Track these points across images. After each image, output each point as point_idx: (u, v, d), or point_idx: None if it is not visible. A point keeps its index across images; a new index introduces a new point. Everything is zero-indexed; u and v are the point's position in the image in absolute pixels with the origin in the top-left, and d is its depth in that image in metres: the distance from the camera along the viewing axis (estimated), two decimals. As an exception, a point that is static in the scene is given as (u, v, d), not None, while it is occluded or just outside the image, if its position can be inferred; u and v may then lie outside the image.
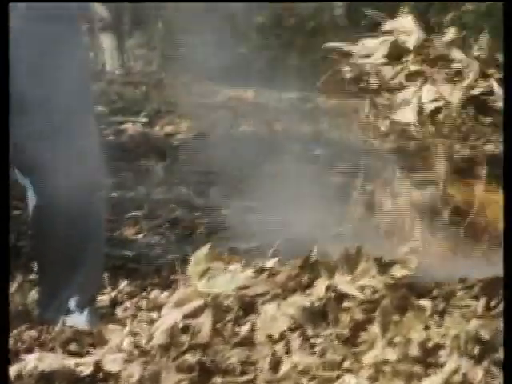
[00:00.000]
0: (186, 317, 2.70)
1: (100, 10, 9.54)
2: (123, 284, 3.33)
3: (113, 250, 3.68)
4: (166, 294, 2.96)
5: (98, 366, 2.47)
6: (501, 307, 2.47)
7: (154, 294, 3.05)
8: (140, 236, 4.19)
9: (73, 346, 2.67)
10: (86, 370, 2.44)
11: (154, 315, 2.80)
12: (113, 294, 3.28)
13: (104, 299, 3.21)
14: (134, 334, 2.69)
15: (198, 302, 2.73)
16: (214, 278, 2.87)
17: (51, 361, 2.46)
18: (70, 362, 2.48)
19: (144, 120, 7.24)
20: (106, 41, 10.14)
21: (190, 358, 2.50)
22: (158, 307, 2.83)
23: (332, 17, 7.68)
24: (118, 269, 3.53)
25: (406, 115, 3.34)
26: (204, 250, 3.12)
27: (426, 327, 2.44)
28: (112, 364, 2.48)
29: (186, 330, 2.66)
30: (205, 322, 2.65)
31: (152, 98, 7.88)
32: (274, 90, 7.04)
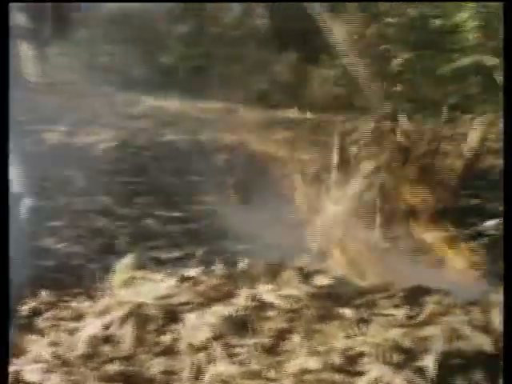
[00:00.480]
0: (108, 326, 2.67)
1: (19, 17, 9.40)
2: (44, 294, 3.27)
3: (33, 260, 3.62)
4: (87, 303, 2.91)
5: (16, 376, 2.43)
6: (422, 316, 2.51)
7: (76, 303, 2.99)
8: (61, 246, 4.12)
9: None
10: (6, 380, 2.39)
11: (76, 325, 2.76)
12: (33, 304, 3.22)
13: (24, 309, 3.15)
14: (54, 344, 2.65)
15: (120, 312, 2.70)
16: (137, 288, 2.85)
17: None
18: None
19: (65, 129, 7.14)
20: (26, 49, 9.99)
21: (112, 368, 2.47)
22: (80, 317, 2.79)
23: (255, 26, 7.72)
24: (38, 279, 3.46)
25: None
26: (127, 259, 3.09)
27: (349, 336, 2.46)
28: (31, 374, 2.44)
29: (108, 339, 2.63)
30: (127, 331, 2.62)
31: (73, 108, 7.78)
32: (198, 100, 7.03)
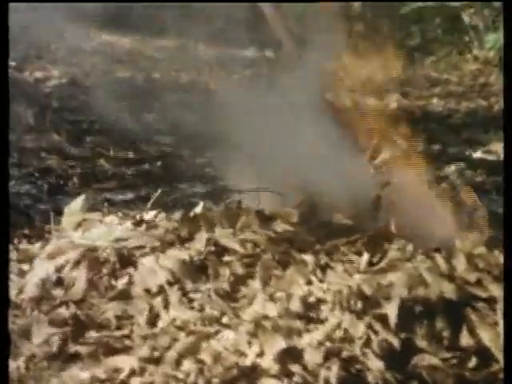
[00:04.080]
0: (59, 269, 2.59)
1: None
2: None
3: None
4: (38, 245, 2.82)
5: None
6: (384, 262, 2.46)
7: (25, 245, 2.91)
8: (9, 184, 4.01)
9: None
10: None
11: (25, 267, 2.67)
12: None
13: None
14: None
15: (72, 255, 2.63)
16: (90, 230, 2.78)
17: None
18: None
19: (12, 64, 6.96)
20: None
21: (64, 312, 2.40)
22: (30, 259, 2.70)
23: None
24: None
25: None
26: (79, 200, 3.01)
27: (308, 282, 2.42)
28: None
29: (59, 282, 2.55)
30: (79, 275, 2.55)
31: (20, 42, 7.58)
32: (151, 37, 6.88)
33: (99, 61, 6.64)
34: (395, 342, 2.16)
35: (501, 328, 2.20)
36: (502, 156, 5.10)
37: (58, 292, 2.51)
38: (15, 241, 2.97)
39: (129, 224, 2.79)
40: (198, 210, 2.90)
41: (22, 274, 2.65)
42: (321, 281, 2.41)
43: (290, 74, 3.37)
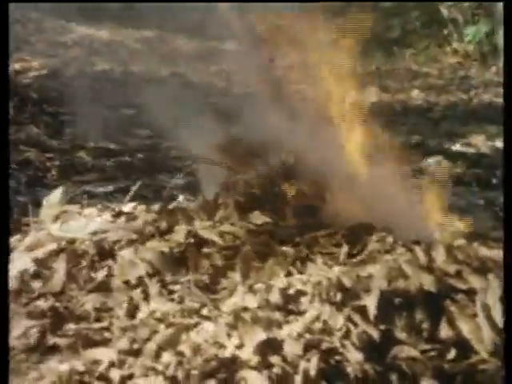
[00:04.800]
0: (37, 262, 2.58)
1: None
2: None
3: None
4: (16, 237, 2.80)
5: None
6: (363, 254, 2.47)
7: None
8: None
9: None
10: None
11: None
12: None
13: None
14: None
15: (51, 247, 2.62)
16: (69, 223, 2.77)
17: None
18: None
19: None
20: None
21: (42, 304, 2.39)
22: (9, 252, 2.68)
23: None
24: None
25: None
26: (57, 193, 2.99)
27: (288, 274, 2.42)
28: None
29: (37, 275, 2.54)
30: (58, 267, 2.54)
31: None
32: (130, 28, 6.85)
33: (78, 53, 6.61)
34: (374, 334, 2.16)
35: (480, 320, 2.21)
36: (481, 149, 5.13)
37: (36, 284, 2.50)
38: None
39: (108, 216, 2.78)
40: (177, 201, 2.90)
41: (0, 266, 2.63)
42: (300, 272, 2.41)
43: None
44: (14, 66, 6.74)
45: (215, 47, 6.28)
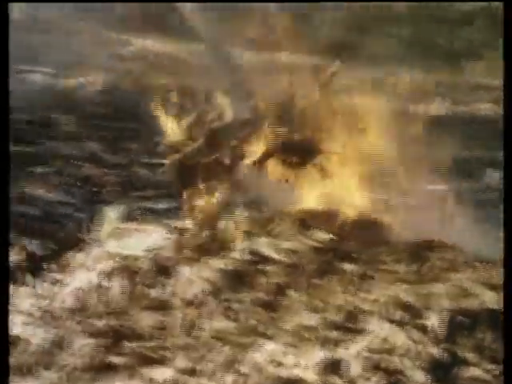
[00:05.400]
0: (96, 279, 2.58)
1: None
2: (29, 244, 3.17)
3: (15, 208, 3.50)
4: (75, 254, 2.81)
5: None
6: (424, 270, 2.43)
7: (62, 254, 2.89)
8: (46, 194, 4.00)
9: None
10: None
11: (61, 277, 2.66)
12: (17, 254, 3.12)
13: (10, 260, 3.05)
14: (40, 296, 2.56)
15: (108, 264, 2.62)
16: (126, 239, 2.77)
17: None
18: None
19: (50, 70, 6.96)
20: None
21: (99, 322, 2.39)
22: (66, 268, 2.70)
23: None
24: (21, 227, 3.35)
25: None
26: (115, 209, 3.01)
27: (349, 292, 2.38)
28: (13, 327, 2.36)
29: (96, 292, 2.54)
30: (116, 284, 2.54)
31: (59, 48, 7.57)
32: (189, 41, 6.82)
33: (137, 67, 6.62)
34: (437, 353, 2.11)
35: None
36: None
37: (94, 301, 2.50)
38: (53, 250, 2.96)
39: (164, 233, 2.78)
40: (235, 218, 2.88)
41: (55, 283, 2.64)
42: (361, 290, 2.38)
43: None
44: (74, 80, 6.77)
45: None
